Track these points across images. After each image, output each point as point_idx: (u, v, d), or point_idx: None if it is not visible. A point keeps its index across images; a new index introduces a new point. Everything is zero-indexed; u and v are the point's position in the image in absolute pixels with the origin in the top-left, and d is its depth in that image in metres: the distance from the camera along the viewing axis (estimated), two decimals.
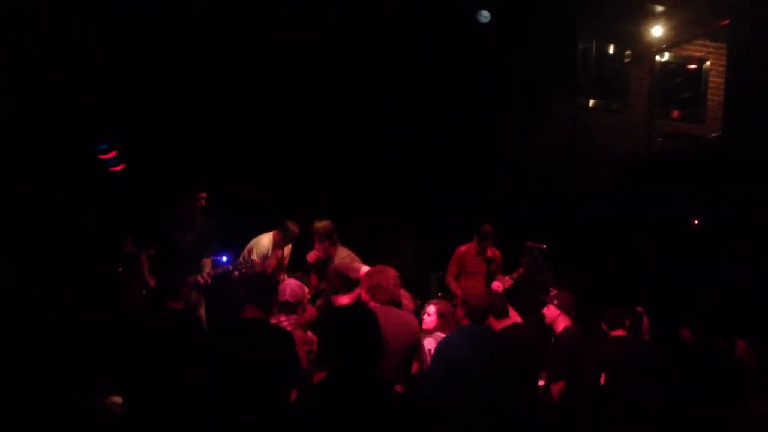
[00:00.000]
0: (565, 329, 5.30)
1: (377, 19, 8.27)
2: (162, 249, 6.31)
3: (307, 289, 5.15)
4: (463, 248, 7.55)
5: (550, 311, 5.40)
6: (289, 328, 4.55)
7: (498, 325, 5.21)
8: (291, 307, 4.77)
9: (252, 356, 3.84)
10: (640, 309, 6.01)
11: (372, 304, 4.54)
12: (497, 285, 7.21)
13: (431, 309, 5.31)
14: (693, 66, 10.22)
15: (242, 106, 8.42)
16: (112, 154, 7.45)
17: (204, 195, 6.51)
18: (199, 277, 6.23)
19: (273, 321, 4.58)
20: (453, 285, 7.39)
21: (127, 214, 7.39)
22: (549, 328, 5.54)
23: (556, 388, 5.06)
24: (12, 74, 6.48)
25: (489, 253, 7.45)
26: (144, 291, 6.23)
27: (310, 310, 5.23)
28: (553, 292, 5.60)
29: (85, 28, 7.31)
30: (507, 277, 7.32)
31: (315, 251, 6.39)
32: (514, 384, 4.13)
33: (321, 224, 6.30)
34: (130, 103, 7.75)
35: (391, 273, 4.62)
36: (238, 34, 8.19)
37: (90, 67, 7.41)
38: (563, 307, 5.36)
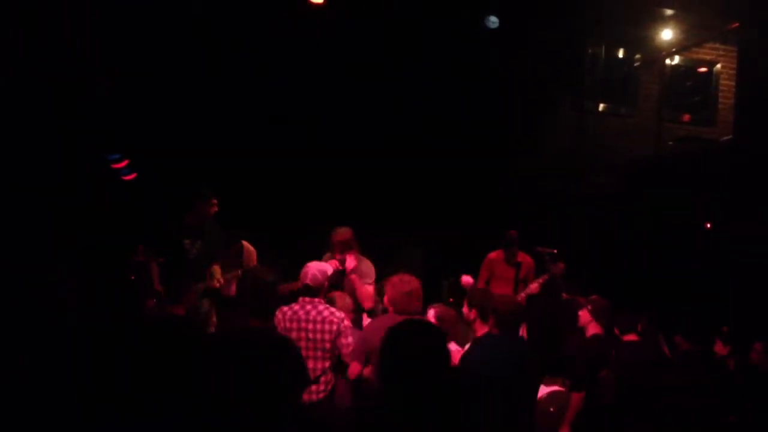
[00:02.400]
0: (593, 337, 5.27)
1: (383, 21, 8.28)
2: (171, 257, 6.32)
3: (329, 273, 5.14)
4: (493, 255, 7.48)
5: (584, 315, 5.38)
6: (325, 312, 4.63)
7: (480, 329, 5.15)
8: (312, 291, 4.75)
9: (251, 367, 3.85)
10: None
11: (390, 313, 4.63)
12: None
13: (430, 313, 5.28)
14: (703, 69, 10.18)
15: (252, 113, 8.47)
16: (124, 163, 7.51)
17: (215, 201, 6.53)
18: (216, 282, 6.24)
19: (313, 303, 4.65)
20: None
21: (138, 222, 7.43)
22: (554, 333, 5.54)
23: (577, 397, 5.03)
24: (25, 85, 6.54)
25: (519, 258, 7.40)
26: (154, 299, 6.25)
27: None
28: (593, 297, 5.55)
29: (97, 38, 7.38)
30: (534, 284, 7.19)
31: (335, 261, 5.85)
32: (533, 393, 4.16)
33: (342, 230, 5.94)
34: (140, 112, 7.81)
35: (408, 287, 4.60)
36: (248, 41, 8.25)
37: (101, 75, 7.48)
38: (595, 314, 5.33)
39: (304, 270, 4.89)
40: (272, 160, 8.52)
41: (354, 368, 4.55)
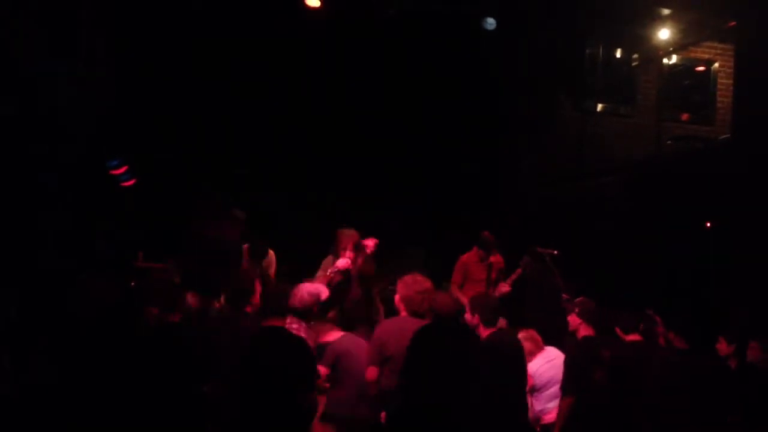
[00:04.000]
0: (583, 339, 5.25)
1: (380, 23, 8.29)
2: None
3: (323, 296, 5.13)
4: (465, 257, 7.57)
5: (573, 319, 5.34)
6: (299, 333, 4.60)
7: (484, 332, 5.11)
8: (298, 312, 4.74)
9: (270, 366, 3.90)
10: (650, 311, 5.97)
11: (402, 314, 4.66)
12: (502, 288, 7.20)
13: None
14: (701, 68, 10.16)
15: (251, 115, 8.48)
16: (123, 169, 7.50)
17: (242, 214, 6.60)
18: None
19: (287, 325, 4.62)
20: (458, 294, 7.37)
21: (138, 229, 7.43)
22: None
23: (565, 403, 4.99)
24: (23, 91, 6.54)
25: (491, 259, 7.47)
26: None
27: None
28: (579, 299, 5.53)
29: (95, 42, 7.39)
30: (504, 283, 7.27)
31: (347, 259, 6.01)
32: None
33: (351, 232, 6.13)
34: (139, 118, 7.82)
35: (422, 286, 4.63)
36: (246, 46, 8.27)
37: (100, 81, 7.49)
38: (584, 316, 5.30)
39: (294, 290, 4.87)
40: (272, 162, 8.54)
41: (370, 373, 4.49)
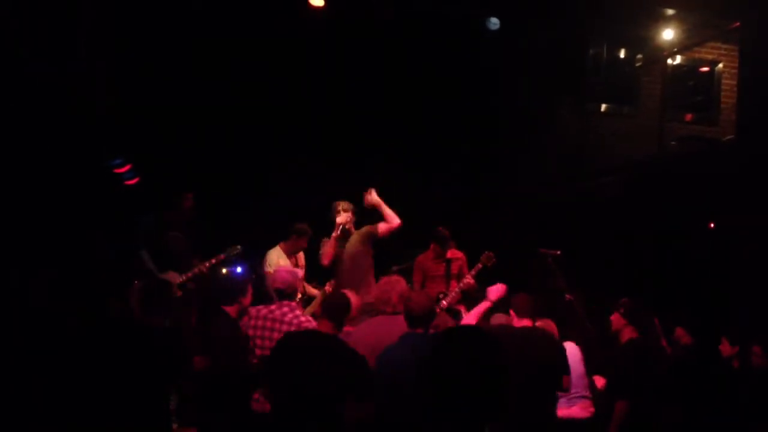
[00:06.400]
0: (630, 341, 5.17)
1: (382, 23, 8.29)
2: (154, 250, 6.61)
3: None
4: (420, 256, 7.56)
5: (617, 319, 5.25)
6: (302, 317, 4.61)
7: (518, 323, 5.05)
8: (286, 295, 4.74)
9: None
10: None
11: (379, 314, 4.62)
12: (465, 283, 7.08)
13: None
14: (705, 69, 10.12)
15: (252, 116, 8.49)
16: (127, 167, 7.52)
17: (190, 195, 6.96)
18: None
19: (276, 308, 4.63)
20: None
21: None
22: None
23: (619, 407, 4.88)
24: (24, 91, 6.56)
25: (449, 254, 7.41)
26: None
27: None
28: (624, 300, 5.45)
29: (95, 42, 7.40)
30: (468, 277, 7.13)
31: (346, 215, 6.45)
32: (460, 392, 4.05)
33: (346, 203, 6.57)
34: (141, 117, 7.84)
35: (398, 287, 4.62)
36: (249, 46, 8.28)
37: (101, 81, 7.51)
38: (631, 317, 5.22)
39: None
40: (271, 163, 8.54)
41: None
